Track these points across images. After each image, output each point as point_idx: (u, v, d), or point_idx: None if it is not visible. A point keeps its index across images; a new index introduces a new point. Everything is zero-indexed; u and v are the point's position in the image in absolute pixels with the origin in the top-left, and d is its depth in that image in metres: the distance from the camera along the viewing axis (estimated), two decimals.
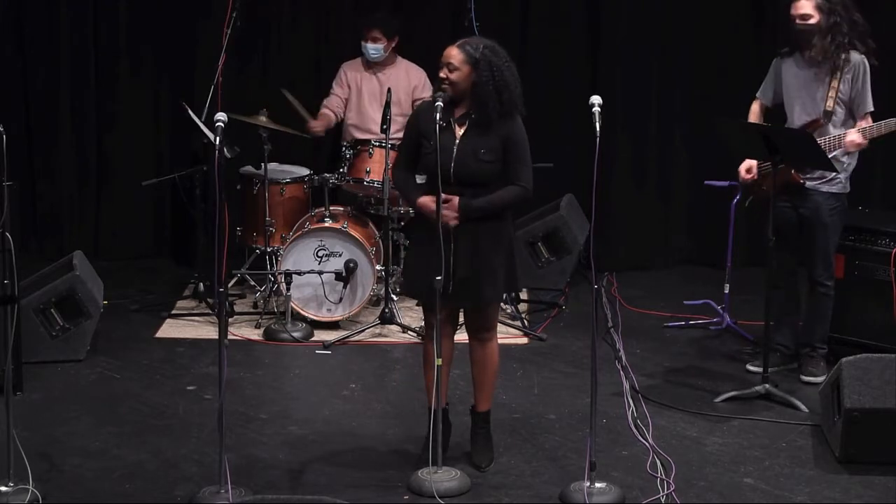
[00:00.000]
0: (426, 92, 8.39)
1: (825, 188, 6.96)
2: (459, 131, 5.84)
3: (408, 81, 8.42)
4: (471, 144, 5.79)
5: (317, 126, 8.44)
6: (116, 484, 5.87)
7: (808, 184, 6.95)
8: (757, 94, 7.23)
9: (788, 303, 7.26)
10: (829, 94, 6.85)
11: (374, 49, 8.39)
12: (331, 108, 8.57)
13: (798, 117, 6.98)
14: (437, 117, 5.68)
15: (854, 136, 6.82)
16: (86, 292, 7.35)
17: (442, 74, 5.81)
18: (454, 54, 5.79)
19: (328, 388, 7.11)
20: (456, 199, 5.76)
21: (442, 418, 5.88)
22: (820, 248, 7.02)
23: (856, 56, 6.87)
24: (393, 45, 8.43)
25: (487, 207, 5.78)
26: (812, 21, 6.85)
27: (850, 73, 6.85)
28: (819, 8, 6.84)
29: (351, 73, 8.56)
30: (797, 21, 6.90)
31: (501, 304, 8.16)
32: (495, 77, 5.74)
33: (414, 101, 8.40)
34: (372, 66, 8.48)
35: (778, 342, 7.25)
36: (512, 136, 5.78)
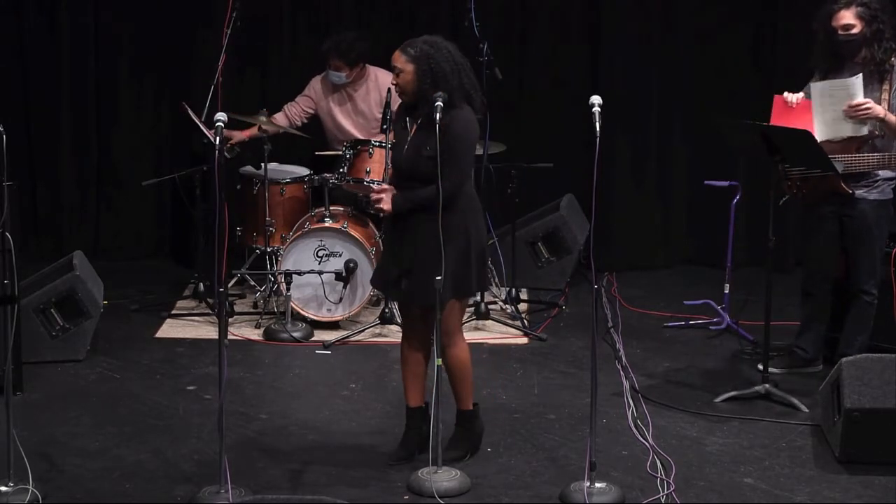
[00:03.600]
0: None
1: (873, 196, 6.86)
2: (413, 128, 5.90)
3: (378, 94, 8.38)
4: (419, 141, 5.84)
5: (235, 137, 8.32)
6: (116, 484, 5.87)
7: (856, 192, 6.84)
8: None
9: (817, 310, 7.17)
10: (882, 107, 6.72)
11: (336, 76, 8.38)
12: (288, 114, 8.54)
13: (846, 129, 6.80)
14: (437, 117, 5.69)
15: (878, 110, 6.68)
16: (86, 292, 7.35)
17: (392, 81, 5.91)
18: (396, 57, 5.84)
19: (328, 388, 7.11)
20: (388, 188, 5.91)
21: (420, 416, 6.04)
22: (866, 256, 6.93)
23: None
24: (358, 69, 8.39)
25: (405, 202, 5.84)
26: (855, 31, 6.72)
27: None
28: (860, 17, 6.71)
29: (321, 88, 8.54)
30: (840, 32, 6.75)
31: (503, 304, 8.19)
32: (433, 70, 5.75)
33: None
34: (341, 85, 8.48)
35: (798, 345, 7.22)
36: (448, 129, 5.73)
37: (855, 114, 6.69)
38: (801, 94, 6.85)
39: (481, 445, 6.21)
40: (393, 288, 6.03)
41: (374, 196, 5.92)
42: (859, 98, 6.68)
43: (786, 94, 6.85)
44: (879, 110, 6.68)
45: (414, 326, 6.03)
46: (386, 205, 5.85)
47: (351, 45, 8.32)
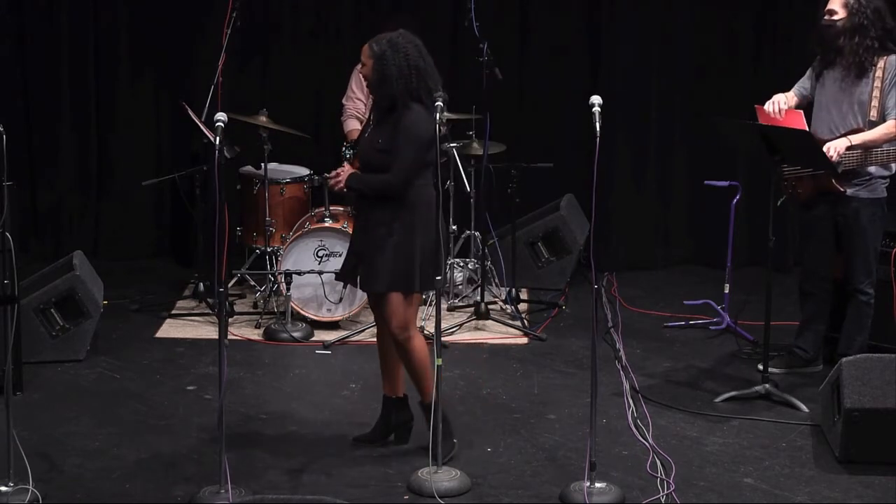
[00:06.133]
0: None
1: (865, 194, 6.85)
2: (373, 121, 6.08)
3: None
4: (374, 134, 5.99)
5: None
6: (116, 484, 5.87)
7: (848, 191, 6.86)
8: (793, 90, 7.03)
9: (817, 310, 7.16)
10: (873, 105, 6.72)
11: None
12: (359, 116, 8.48)
13: (835, 121, 6.82)
14: (437, 117, 5.73)
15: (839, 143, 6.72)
16: (86, 292, 7.35)
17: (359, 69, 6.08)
18: (363, 50, 6.00)
19: (328, 388, 7.11)
20: (349, 169, 6.09)
21: (400, 406, 6.19)
22: (860, 255, 6.92)
23: (893, 59, 6.74)
24: None
25: (357, 184, 6.00)
26: (836, 17, 6.74)
27: (889, 75, 6.72)
28: (846, 6, 6.73)
29: None
30: (824, 17, 6.79)
31: (503, 304, 8.18)
32: (383, 71, 5.89)
33: None
34: None
35: (797, 345, 7.22)
36: (398, 125, 5.88)
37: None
38: (782, 97, 6.85)
39: (482, 445, 6.23)
40: (349, 276, 6.17)
41: (332, 177, 6.10)
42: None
43: (766, 104, 6.84)
44: (841, 145, 6.69)
45: (379, 319, 6.15)
46: (340, 183, 6.04)
47: (415, 24, 8.22)
